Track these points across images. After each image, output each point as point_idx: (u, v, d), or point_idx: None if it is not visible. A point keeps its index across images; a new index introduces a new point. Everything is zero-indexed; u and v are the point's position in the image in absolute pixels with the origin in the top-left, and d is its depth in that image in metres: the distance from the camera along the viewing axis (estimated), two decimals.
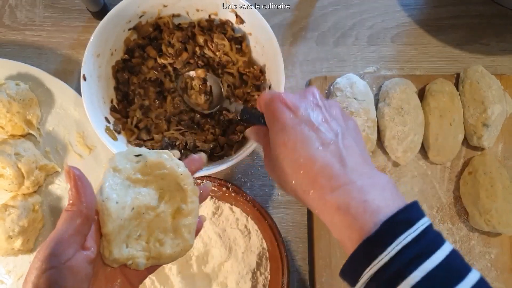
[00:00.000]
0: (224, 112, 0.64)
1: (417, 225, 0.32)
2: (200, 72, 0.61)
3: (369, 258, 0.32)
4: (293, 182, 0.39)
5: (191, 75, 0.62)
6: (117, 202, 0.35)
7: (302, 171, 0.38)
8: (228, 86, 0.64)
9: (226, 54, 0.63)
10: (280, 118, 0.40)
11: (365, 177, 0.36)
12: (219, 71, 0.63)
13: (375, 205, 0.34)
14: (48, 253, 0.32)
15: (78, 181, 0.34)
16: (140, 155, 0.38)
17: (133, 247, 0.37)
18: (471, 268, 0.32)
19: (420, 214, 0.34)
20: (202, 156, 0.44)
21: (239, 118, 0.52)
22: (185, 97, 0.62)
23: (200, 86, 0.62)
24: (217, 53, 0.62)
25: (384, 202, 0.34)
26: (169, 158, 0.39)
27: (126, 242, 0.36)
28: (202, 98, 0.62)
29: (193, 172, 0.41)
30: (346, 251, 0.35)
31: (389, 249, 0.31)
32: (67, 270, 0.32)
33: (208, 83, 0.62)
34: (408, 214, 0.33)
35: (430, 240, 0.32)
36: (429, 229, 0.33)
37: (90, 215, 0.34)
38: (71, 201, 0.34)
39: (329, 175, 0.36)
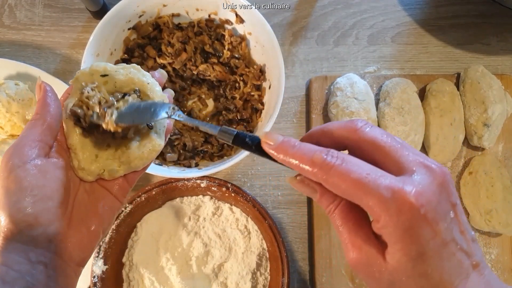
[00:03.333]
0: (224, 112, 0.64)
1: None
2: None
3: None
4: None
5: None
6: None
7: None
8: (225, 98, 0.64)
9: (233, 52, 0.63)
10: (419, 239, 0.27)
11: None
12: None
13: None
14: (10, 154, 0.33)
15: (48, 93, 0.36)
16: (106, 75, 0.38)
17: (103, 157, 0.38)
18: None
19: None
20: (162, 71, 0.43)
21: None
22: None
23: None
24: (225, 51, 0.62)
25: None
26: (137, 72, 0.39)
27: (96, 154, 0.37)
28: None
29: (160, 83, 0.41)
30: None
31: None
32: (33, 168, 0.33)
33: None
34: None
35: None
36: None
37: (53, 125, 0.35)
38: (37, 111, 0.35)
39: None
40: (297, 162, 0.29)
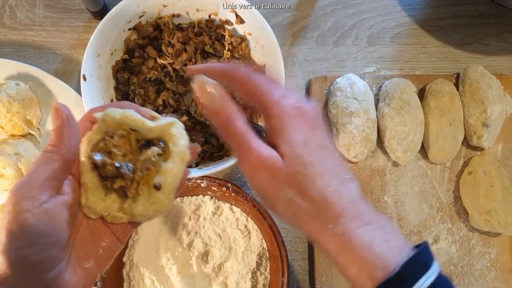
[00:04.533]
0: None
1: (433, 268, 0.32)
2: None
3: None
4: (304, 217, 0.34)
5: None
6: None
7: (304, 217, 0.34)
8: None
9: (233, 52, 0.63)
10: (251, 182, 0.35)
11: (379, 218, 0.35)
12: None
13: (396, 245, 0.33)
14: (20, 195, 0.30)
15: (66, 121, 0.32)
16: (136, 131, 0.36)
17: (110, 199, 0.36)
18: None
19: (432, 257, 0.33)
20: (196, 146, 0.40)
21: None
22: (191, 106, 0.62)
23: None
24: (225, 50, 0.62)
25: (400, 244, 0.34)
26: (175, 129, 0.36)
27: (105, 193, 0.36)
28: None
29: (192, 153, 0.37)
30: None
31: None
32: (43, 213, 0.30)
33: None
34: (424, 257, 0.33)
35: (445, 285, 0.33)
36: (441, 273, 0.33)
37: (70, 160, 0.32)
38: (52, 142, 0.32)
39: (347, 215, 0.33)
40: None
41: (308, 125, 0.34)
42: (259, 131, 0.42)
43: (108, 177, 0.36)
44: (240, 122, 0.34)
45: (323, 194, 0.33)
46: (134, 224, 0.38)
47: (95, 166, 0.35)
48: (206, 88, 0.34)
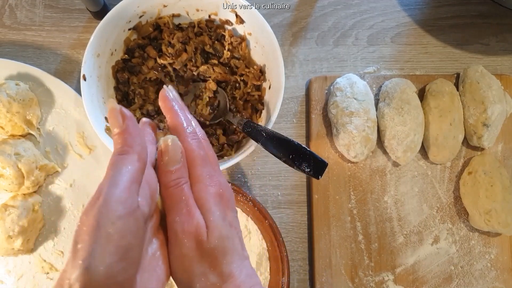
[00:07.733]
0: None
1: None
2: (212, 85, 0.62)
3: None
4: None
5: (202, 87, 0.63)
6: None
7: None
8: (231, 89, 0.64)
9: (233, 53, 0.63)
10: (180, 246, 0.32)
11: None
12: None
13: None
14: (110, 197, 0.26)
15: (132, 120, 0.29)
16: None
17: None
18: None
19: None
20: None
21: (241, 130, 0.54)
22: (191, 106, 0.63)
23: (209, 98, 0.62)
24: (225, 51, 0.63)
25: None
26: None
27: None
28: (207, 110, 0.62)
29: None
30: None
31: None
32: (132, 222, 0.27)
33: (217, 97, 0.63)
34: None
35: None
36: None
37: (145, 160, 0.29)
38: (124, 144, 0.29)
39: None
40: None
41: (225, 206, 0.35)
42: (258, 130, 0.46)
43: None
44: (187, 186, 0.33)
45: (229, 268, 0.33)
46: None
47: None
48: (176, 145, 0.33)
